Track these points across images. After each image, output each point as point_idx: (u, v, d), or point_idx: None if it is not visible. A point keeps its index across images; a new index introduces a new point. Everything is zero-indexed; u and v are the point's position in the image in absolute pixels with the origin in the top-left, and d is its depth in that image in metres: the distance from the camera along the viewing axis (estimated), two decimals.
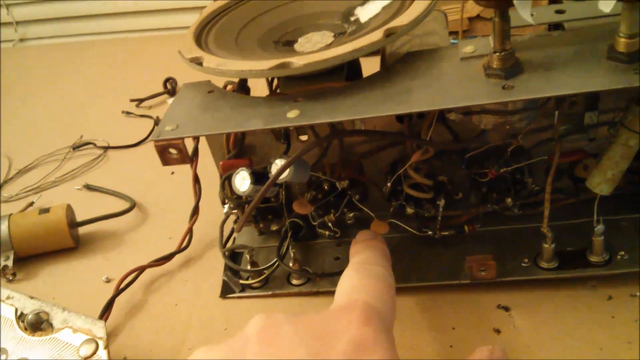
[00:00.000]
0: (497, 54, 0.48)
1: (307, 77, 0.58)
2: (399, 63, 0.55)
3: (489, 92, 0.47)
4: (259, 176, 0.56)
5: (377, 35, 0.51)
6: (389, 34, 0.51)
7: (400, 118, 0.59)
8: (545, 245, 0.58)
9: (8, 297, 0.54)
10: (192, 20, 0.64)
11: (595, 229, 0.57)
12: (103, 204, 0.84)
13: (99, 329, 0.50)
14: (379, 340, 0.38)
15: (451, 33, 0.94)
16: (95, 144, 1.00)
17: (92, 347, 0.48)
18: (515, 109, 0.49)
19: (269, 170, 0.55)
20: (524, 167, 0.59)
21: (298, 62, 0.50)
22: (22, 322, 0.52)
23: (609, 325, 0.54)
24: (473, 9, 1.18)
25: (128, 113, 1.09)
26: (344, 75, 0.59)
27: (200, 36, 0.61)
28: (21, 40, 1.62)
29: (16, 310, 0.53)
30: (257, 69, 0.51)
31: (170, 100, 1.12)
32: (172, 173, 0.88)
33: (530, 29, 0.66)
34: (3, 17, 1.59)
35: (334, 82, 0.57)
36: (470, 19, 1.18)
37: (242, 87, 0.61)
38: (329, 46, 0.59)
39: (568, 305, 0.57)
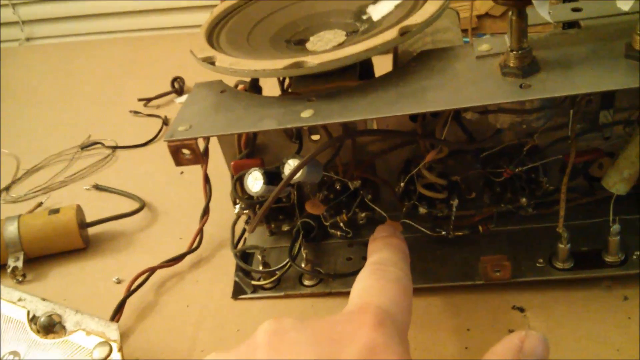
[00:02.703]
0: (514, 52, 0.47)
1: (320, 76, 0.57)
2: (413, 62, 0.54)
3: (506, 91, 0.46)
4: (271, 176, 0.55)
5: (391, 33, 0.51)
6: (403, 32, 0.51)
7: (413, 117, 0.59)
8: (561, 246, 0.57)
9: (20, 299, 0.54)
10: (199, 19, 0.64)
11: (612, 229, 0.56)
12: (112, 204, 0.84)
13: (112, 332, 0.49)
14: (391, 345, 0.37)
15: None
16: (103, 144, 1.00)
17: (106, 349, 0.48)
18: (532, 108, 0.48)
19: (281, 170, 0.55)
20: (538, 167, 0.59)
21: (312, 61, 0.50)
22: (35, 324, 0.52)
23: (625, 325, 0.53)
24: (482, 7, 1.18)
25: (136, 112, 1.09)
26: (356, 74, 0.58)
27: (212, 35, 0.60)
28: (27, 39, 1.62)
29: (28, 312, 0.53)
30: (271, 68, 0.50)
31: (178, 100, 1.12)
32: (182, 173, 0.88)
33: (541, 27, 0.65)
34: (9, 17, 1.59)
35: (347, 81, 0.56)
36: (479, 17, 1.18)
37: (254, 86, 0.60)
38: (341, 45, 0.59)
39: (584, 305, 0.56)
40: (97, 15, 1.52)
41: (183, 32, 1.41)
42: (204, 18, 0.64)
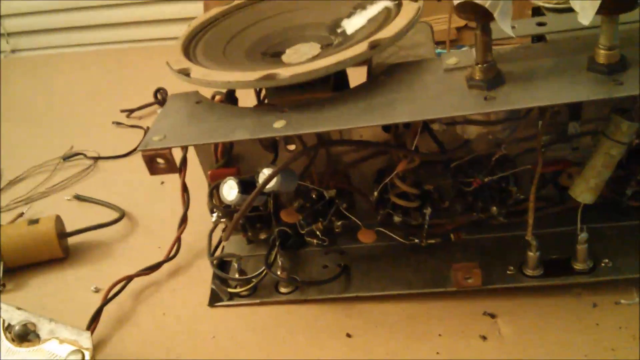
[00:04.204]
0: (479, 65, 0.49)
1: (295, 87, 0.59)
2: (383, 75, 0.55)
3: (471, 103, 0.48)
4: (246, 185, 0.56)
5: (361, 47, 0.52)
6: (373, 46, 0.52)
7: (386, 128, 0.60)
8: (530, 254, 0.58)
9: None
10: (183, 31, 0.64)
11: (579, 237, 0.57)
12: (93, 214, 0.84)
13: (85, 340, 0.50)
14: None
15: (439, 43, 0.95)
16: (85, 155, 1.01)
17: (79, 358, 0.48)
18: (497, 119, 0.50)
19: (256, 179, 0.56)
20: (509, 176, 0.60)
21: (284, 73, 0.51)
22: (9, 333, 0.52)
23: (593, 332, 0.55)
24: (461, 19, 1.19)
25: (118, 123, 1.10)
26: (330, 85, 0.59)
27: (189, 47, 0.61)
28: (12, 51, 1.63)
29: (3, 321, 0.53)
30: (244, 80, 0.52)
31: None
32: (162, 183, 0.88)
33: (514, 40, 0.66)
34: None
35: (321, 92, 0.57)
36: (459, 29, 1.20)
37: (230, 97, 0.61)
38: (315, 57, 0.60)
39: (553, 312, 0.57)
40: (82, 27, 1.53)
41: (166, 44, 1.41)
42: None
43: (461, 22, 1.19)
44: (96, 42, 1.53)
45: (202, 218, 0.72)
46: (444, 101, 0.49)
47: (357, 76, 0.65)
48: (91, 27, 1.52)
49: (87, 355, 0.48)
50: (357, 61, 0.52)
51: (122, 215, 0.81)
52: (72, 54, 1.53)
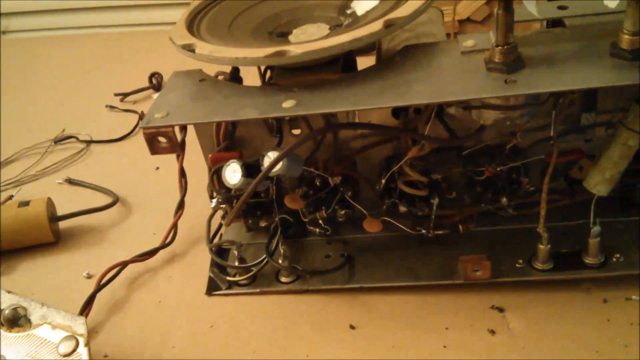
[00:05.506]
0: (500, 47, 0.47)
1: (302, 69, 0.56)
2: (397, 56, 0.53)
3: (492, 86, 0.46)
4: (250, 169, 0.54)
5: (376, 25, 0.50)
6: (388, 24, 0.50)
7: (396, 113, 0.58)
8: (541, 246, 0.56)
9: None
10: (179, 15, 0.62)
11: (592, 230, 0.56)
12: (85, 199, 0.81)
13: (80, 326, 0.47)
14: None
15: None
16: (77, 138, 0.98)
17: (72, 344, 0.46)
18: (516, 104, 0.48)
19: (261, 163, 0.53)
20: (519, 167, 0.58)
21: (296, 50, 0.49)
22: None
23: (604, 328, 0.53)
24: (464, 11, 1.18)
25: (112, 107, 1.07)
26: (339, 68, 0.57)
27: (192, 24, 0.59)
28: (4, 32, 1.58)
29: None
30: (254, 56, 0.49)
31: (156, 96, 1.09)
32: (157, 168, 0.86)
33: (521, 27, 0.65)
34: None
35: (330, 75, 0.55)
36: (461, 22, 1.18)
37: (234, 77, 0.59)
38: (325, 37, 0.57)
39: (563, 307, 0.56)
40: (77, 9, 1.49)
41: (162, 29, 1.39)
42: None
43: (463, 15, 1.18)
44: (90, 25, 1.49)
45: (198, 205, 0.70)
46: (463, 84, 0.47)
47: (362, 66, 0.62)
48: (86, 10, 1.48)
49: (82, 341, 0.46)
50: (372, 40, 0.50)
51: (116, 200, 0.78)
52: (65, 36, 1.49)
